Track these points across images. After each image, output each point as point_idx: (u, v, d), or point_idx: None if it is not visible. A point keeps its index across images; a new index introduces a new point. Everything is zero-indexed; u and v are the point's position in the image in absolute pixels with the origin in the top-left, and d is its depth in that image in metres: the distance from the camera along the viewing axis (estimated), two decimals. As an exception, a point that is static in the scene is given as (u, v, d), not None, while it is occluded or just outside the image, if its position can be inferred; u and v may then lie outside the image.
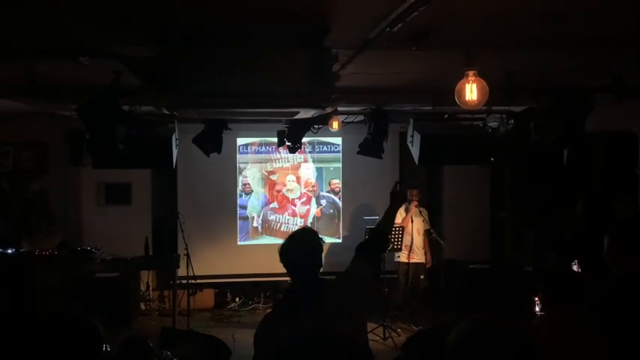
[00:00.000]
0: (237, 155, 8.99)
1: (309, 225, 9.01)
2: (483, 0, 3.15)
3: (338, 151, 9.17)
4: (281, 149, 7.94)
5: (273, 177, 9.14)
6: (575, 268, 5.48)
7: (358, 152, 7.29)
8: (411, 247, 7.89)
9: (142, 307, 8.78)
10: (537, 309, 4.70)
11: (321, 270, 2.92)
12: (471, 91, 4.03)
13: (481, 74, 4.08)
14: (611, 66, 4.84)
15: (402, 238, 7.65)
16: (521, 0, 3.18)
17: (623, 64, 4.79)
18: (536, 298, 4.72)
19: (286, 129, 7.35)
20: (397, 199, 3.55)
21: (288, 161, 9.07)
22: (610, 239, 3.10)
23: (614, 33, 3.90)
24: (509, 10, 3.32)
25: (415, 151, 6.79)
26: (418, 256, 7.99)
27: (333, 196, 9.22)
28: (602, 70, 4.94)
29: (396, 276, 8.01)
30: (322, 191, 9.21)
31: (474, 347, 1.58)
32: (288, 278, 2.96)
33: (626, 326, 2.85)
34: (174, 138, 6.43)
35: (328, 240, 8.59)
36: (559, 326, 3.00)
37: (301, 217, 9.13)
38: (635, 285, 2.96)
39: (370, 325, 6.96)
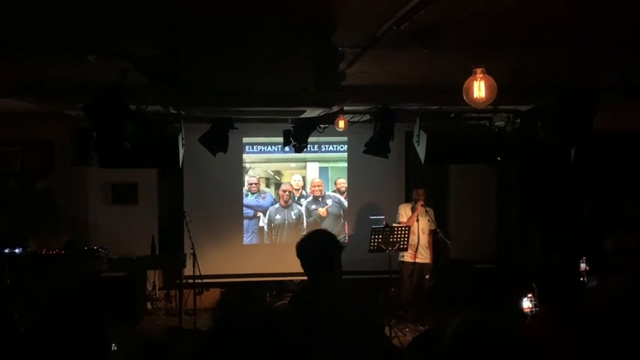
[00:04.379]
0: (244, 155, 8.99)
1: (316, 224, 9.00)
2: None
3: (344, 151, 9.15)
4: (287, 148, 7.94)
5: (279, 176, 9.14)
6: (583, 266, 5.46)
7: (364, 151, 7.27)
8: (417, 246, 7.87)
9: (149, 306, 8.78)
10: (530, 305, 4.68)
11: None
12: (479, 89, 4.01)
13: (488, 72, 4.06)
14: (620, 65, 4.81)
15: (408, 237, 7.63)
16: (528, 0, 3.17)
17: (631, 63, 4.77)
18: (530, 295, 4.69)
19: (292, 128, 7.34)
20: None
21: (294, 161, 9.07)
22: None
23: (623, 33, 3.88)
24: (516, 10, 3.31)
25: (421, 151, 6.77)
26: (423, 256, 7.96)
27: (338, 195, 9.20)
28: (609, 69, 4.91)
29: (399, 276, 7.97)
30: (328, 191, 9.19)
31: (470, 343, 1.58)
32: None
33: (621, 327, 2.84)
34: (180, 137, 6.44)
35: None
36: (552, 323, 3.00)
37: (307, 216, 9.12)
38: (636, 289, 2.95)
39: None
